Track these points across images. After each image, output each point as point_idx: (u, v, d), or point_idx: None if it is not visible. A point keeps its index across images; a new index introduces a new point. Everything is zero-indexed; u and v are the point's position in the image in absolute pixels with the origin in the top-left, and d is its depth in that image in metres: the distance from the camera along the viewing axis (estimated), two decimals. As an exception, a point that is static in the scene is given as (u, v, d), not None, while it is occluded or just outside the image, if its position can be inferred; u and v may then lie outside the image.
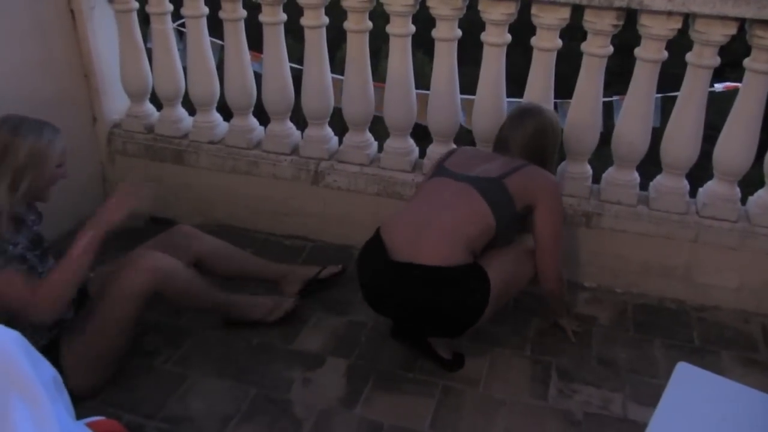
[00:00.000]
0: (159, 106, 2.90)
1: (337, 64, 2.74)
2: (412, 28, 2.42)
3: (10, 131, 1.78)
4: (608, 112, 2.70)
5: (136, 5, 2.73)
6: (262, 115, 2.79)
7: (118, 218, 1.83)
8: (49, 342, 1.86)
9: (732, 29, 2.11)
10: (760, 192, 2.39)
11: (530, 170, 2.02)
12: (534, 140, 2.10)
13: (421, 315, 1.96)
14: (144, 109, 2.90)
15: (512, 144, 2.11)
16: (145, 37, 2.82)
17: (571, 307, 2.39)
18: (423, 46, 2.56)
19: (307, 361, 2.13)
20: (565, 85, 2.51)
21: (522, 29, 2.42)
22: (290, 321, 2.27)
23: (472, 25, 2.44)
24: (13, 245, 1.79)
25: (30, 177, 1.79)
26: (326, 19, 2.51)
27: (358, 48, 2.49)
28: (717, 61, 2.19)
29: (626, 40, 2.29)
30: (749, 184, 2.46)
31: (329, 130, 2.72)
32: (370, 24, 2.46)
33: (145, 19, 2.77)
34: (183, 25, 2.84)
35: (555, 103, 2.43)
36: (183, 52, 2.83)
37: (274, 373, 2.08)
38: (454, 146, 2.45)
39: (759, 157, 2.34)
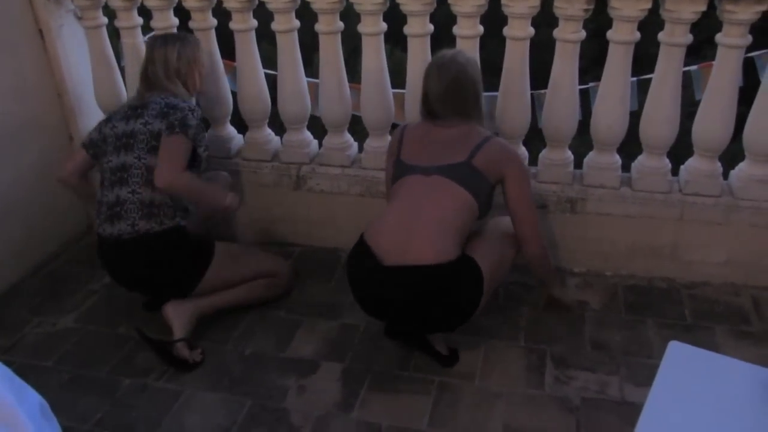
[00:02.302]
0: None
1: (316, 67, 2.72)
2: (384, 26, 2.41)
3: (162, 45, 2.25)
4: (587, 98, 2.69)
5: (105, 20, 2.70)
6: (240, 123, 2.77)
7: (234, 208, 2.30)
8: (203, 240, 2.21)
9: (701, 6, 2.11)
10: (741, 165, 2.40)
11: (490, 145, 2.01)
12: (454, 95, 2.02)
13: (420, 315, 1.95)
14: (120, 126, 2.87)
15: (438, 106, 2.03)
16: (118, 52, 2.80)
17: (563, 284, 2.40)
18: (401, 43, 2.55)
19: (301, 367, 2.12)
20: (547, 74, 2.48)
21: (498, 20, 2.41)
22: (281, 329, 2.27)
23: (448, 19, 2.42)
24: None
25: (195, 74, 2.29)
26: (297, 23, 2.50)
27: (331, 50, 2.48)
28: (689, 38, 2.20)
29: (603, 24, 2.29)
30: (733, 158, 2.47)
31: (308, 134, 2.71)
32: (341, 25, 2.45)
33: (117, 33, 2.74)
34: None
35: (532, 94, 2.43)
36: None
37: (269, 382, 2.06)
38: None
39: (738, 131, 2.34)
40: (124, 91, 2.80)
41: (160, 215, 2.10)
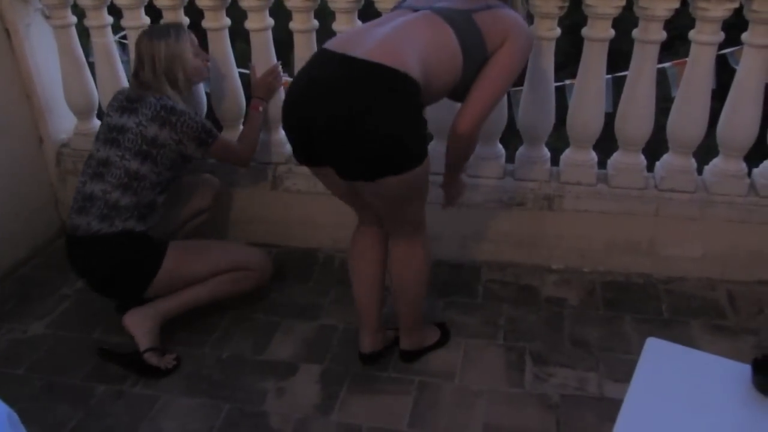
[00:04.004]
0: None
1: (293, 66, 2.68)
2: (359, 24, 2.39)
3: (148, 41, 2.13)
4: (563, 95, 2.70)
5: (74, 20, 2.64)
6: (215, 122, 2.73)
7: (272, 94, 2.47)
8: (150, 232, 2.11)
9: (675, 2, 2.13)
10: (715, 161, 2.42)
11: (504, 12, 1.72)
12: None
13: (344, 122, 1.55)
14: (92, 126, 2.81)
15: None
16: (88, 51, 2.74)
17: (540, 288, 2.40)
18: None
19: (280, 370, 2.10)
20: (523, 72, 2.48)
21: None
22: (259, 331, 2.24)
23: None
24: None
25: (180, 70, 2.15)
26: (271, 21, 2.46)
27: (306, 48, 2.45)
28: (663, 35, 2.21)
29: (578, 21, 2.29)
30: (707, 153, 2.49)
31: (284, 133, 2.67)
32: (315, 23, 2.42)
33: (86, 32, 2.68)
34: (125, 37, 2.76)
35: (508, 92, 2.42)
36: (127, 64, 2.75)
37: (247, 385, 2.03)
38: None
39: (712, 126, 2.36)
40: (95, 91, 2.74)
41: (115, 218, 2.05)
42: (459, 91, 1.73)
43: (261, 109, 2.46)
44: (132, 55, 2.56)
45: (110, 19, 2.62)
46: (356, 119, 1.53)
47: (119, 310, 2.29)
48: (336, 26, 2.37)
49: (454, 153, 1.83)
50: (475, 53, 1.67)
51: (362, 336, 2.06)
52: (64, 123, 2.85)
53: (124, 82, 2.70)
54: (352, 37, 1.68)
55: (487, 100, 1.70)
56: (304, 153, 1.74)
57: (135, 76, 2.19)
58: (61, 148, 2.84)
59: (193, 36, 2.22)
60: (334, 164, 1.66)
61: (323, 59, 1.66)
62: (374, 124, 1.53)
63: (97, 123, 2.84)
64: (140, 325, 2.09)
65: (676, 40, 2.67)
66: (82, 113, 2.80)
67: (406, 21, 1.67)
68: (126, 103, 2.15)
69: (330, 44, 1.68)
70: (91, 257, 2.09)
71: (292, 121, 1.70)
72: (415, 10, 1.72)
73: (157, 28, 2.23)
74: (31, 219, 2.78)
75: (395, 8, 1.84)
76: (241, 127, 2.65)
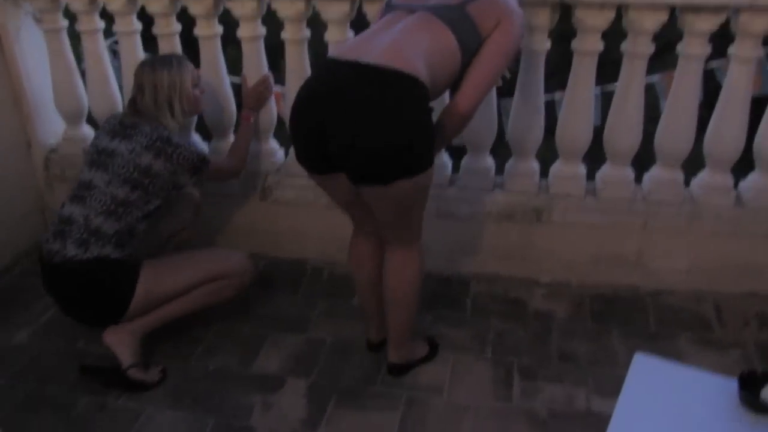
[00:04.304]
0: (97, 127, 2.80)
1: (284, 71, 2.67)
2: (351, 35, 2.39)
3: (150, 70, 2.13)
4: (552, 107, 2.71)
5: (65, 24, 2.62)
6: (204, 131, 2.71)
7: (263, 104, 2.49)
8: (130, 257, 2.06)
9: (663, 16, 2.14)
10: (702, 173, 2.44)
11: None
12: None
13: (361, 125, 1.59)
14: (81, 132, 2.80)
15: None
16: (79, 56, 2.72)
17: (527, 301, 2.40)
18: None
19: (267, 384, 2.08)
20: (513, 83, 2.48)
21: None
22: (246, 344, 2.22)
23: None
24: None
25: (179, 101, 2.14)
26: (263, 30, 2.46)
27: (297, 58, 2.44)
28: (651, 48, 2.22)
29: (567, 30, 2.30)
30: (695, 163, 2.50)
31: (275, 143, 2.67)
32: (307, 33, 2.42)
33: (78, 37, 2.66)
34: (117, 42, 2.75)
35: (498, 102, 2.43)
36: (118, 70, 2.74)
37: (233, 399, 2.02)
38: None
39: (699, 137, 2.37)
40: (85, 97, 2.73)
41: (91, 244, 1.98)
42: (458, 81, 1.78)
43: (252, 119, 2.46)
44: (127, 78, 2.55)
45: (102, 24, 2.60)
46: (373, 123, 1.57)
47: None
48: (328, 36, 2.37)
49: (451, 130, 1.86)
50: (471, 44, 1.73)
51: (369, 327, 2.17)
52: (53, 128, 2.83)
53: (115, 88, 2.69)
54: (359, 44, 1.70)
55: (485, 80, 1.76)
56: (315, 160, 1.74)
57: (132, 103, 2.15)
58: (49, 153, 2.82)
59: (193, 67, 2.22)
60: (348, 169, 1.68)
61: (333, 67, 1.68)
62: (390, 128, 1.57)
63: (86, 129, 2.82)
64: (121, 341, 2.06)
65: (665, 52, 2.69)
66: (71, 118, 2.78)
67: (406, 25, 1.71)
68: (119, 127, 2.10)
69: (337, 53, 1.71)
70: (64, 285, 2.04)
71: (303, 128, 1.70)
72: (411, 10, 1.75)
73: (159, 57, 2.23)
74: (18, 225, 2.76)
75: (388, 7, 1.85)
76: (232, 136, 2.65)
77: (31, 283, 2.59)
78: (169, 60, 2.17)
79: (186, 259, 2.18)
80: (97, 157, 2.08)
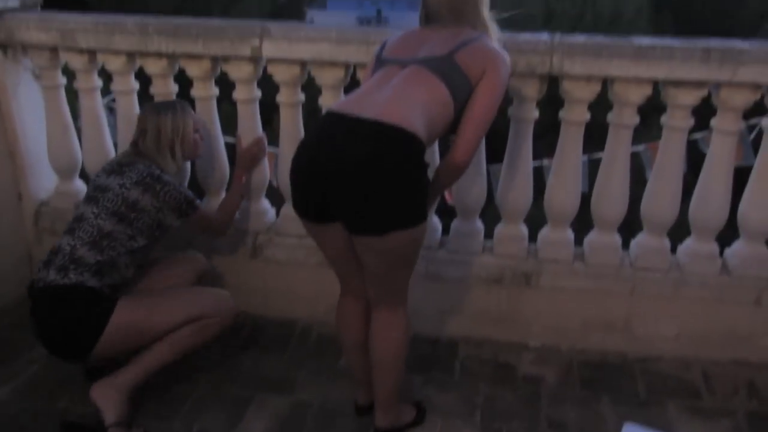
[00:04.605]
0: (89, 182, 2.82)
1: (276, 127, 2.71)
2: (344, 99, 2.44)
3: (154, 114, 2.21)
4: (541, 172, 2.77)
5: (64, 81, 2.68)
6: (197, 188, 2.73)
7: (256, 165, 2.54)
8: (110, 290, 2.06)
9: (647, 90, 2.22)
10: (687, 241, 2.48)
11: (479, 42, 1.83)
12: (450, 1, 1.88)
13: (361, 177, 1.64)
14: (73, 186, 2.82)
15: (434, 8, 1.90)
16: (76, 111, 2.76)
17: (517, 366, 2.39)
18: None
19: (251, 448, 2.04)
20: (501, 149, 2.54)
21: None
22: (232, 404, 2.18)
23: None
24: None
25: (180, 144, 2.22)
26: (259, 93, 2.52)
27: (291, 121, 2.50)
28: (636, 120, 2.29)
29: (555, 92, 2.36)
30: (680, 229, 2.53)
31: (266, 203, 2.69)
32: (302, 97, 2.48)
33: (75, 92, 2.71)
34: (114, 100, 2.80)
35: (487, 168, 2.48)
36: (114, 127, 2.78)
37: (216, 464, 1.98)
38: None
39: (685, 202, 2.41)
40: (79, 153, 2.76)
41: (70, 270, 2.01)
42: (450, 128, 1.85)
43: (244, 179, 2.49)
44: (122, 135, 2.60)
45: (100, 83, 2.66)
46: (373, 177, 1.64)
47: (88, 377, 2.23)
48: (322, 101, 2.43)
49: (447, 180, 1.96)
50: (462, 92, 1.79)
51: (357, 390, 2.14)
52: (45, 181, 2.84)
53: (110, 145, 2.72)
54: (359, 99, 1.77)
55: (478, 130, 1.83)
56: (313, 209, 1.78)
57: (134, 145, 2.24)
58: (40, 206, 2.83)
59: (194, 112, 2.31)
60: (346, 218, 1.72)
61: (333, 120, 1.74)
62: (390, 182, 1.65)
63: (78, 183, 2.84)
64: (108, 397, 2.02)
65: (651, 116, 2.75)
66: (64, 173, 2.80)
67: (401, 80, 1.77)
68: (116, 166, 2.19)
69: (337, 107, 1.77)
70: (41, 309, 2.05)
71: (303, 179, 1.75)
72: (403, 65, 1.82)
73: (163, 102, 2.34)
74: (4, 277, 2.73)
75: (378, 61, 1.91)
76: (224, 195, 2.68)
77: (17, 337, 2.55)
78: (172, 105, 2.27)
79: (164, 298, 2.15)
80: (93, 193, 2.16)
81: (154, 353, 2.07)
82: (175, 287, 2.27)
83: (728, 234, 2.46)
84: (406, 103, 1.71)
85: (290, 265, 2.61)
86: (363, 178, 1.64)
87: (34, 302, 2.08)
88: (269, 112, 2.74)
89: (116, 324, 2.00)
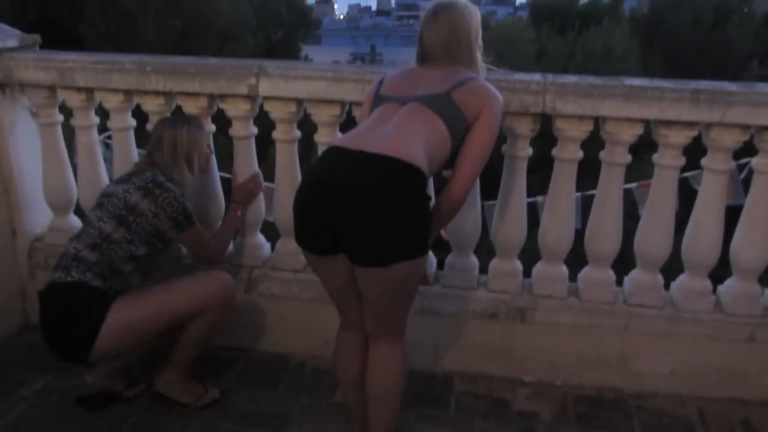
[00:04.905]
0: (84, 218, 2.82)
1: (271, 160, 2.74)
2: (340, 136, 2.48)
3: (171, 127, 2.27)
4: (535, 208, 2.79)
5: (60, 118, 2.70)
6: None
7: (252, 200, 2.56)
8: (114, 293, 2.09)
9: (638, 129, 2.26)
10: (681, 278, 2.49)
11: (475, 82, 1.90)
12: (451, 39, 1.94)
13: (368, 208, 1.68)
14: (67, 222, 2.82)
15: (430, 49, 1.96)
16: (71, 148, 2.77)
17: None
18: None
19: (243, 487, 2.01)
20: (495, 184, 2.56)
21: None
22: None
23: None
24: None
25: (196, 157, 2.29)
26: (255, 130, 2.55)
27: (287, 157, 2.52)
28: (628, 158, 2.33)
29: (547, 127, 2.40)
30: (674, 264, 2.55)
31: (261, 237, 2.70)
32: (298, 133, 2.51)
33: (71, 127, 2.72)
34: (110, 137, 2.82)
35: (482, 205, 2.50)
36: (110, 162, 2.80)
37: (208, 504, 1.94)
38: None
39: (678, 238, 2.42)
40: (75, 189, 2.76)
41: (72, 268, 2.08)
42: (446, 164, 1.90)
43: (239, 213, 2.51)
44: (116, 155, 2.62)
45: (97, 120, 2.68)
46: (381, 207, 1.68)
47: (86, 404, 2.23)
48: (318, 137, 2.46)
49: (446, 215, 1.97)
50: (460, 129, 1.85)
51: (351, 426, 2.11)
52: (40, 218, 2.84)
53: (105, 180, 2.73)
54: (362, 134, 1.81)
55: (476, 165, 1.89)
56: (318, 241, 1.79)
57: (148, 156, 2.29)
58: (34, 242, 2.82)
59: (204, 127, 2.40)
60: (351, 250, 1.74)
61: (338, 155, 1.77)
62: (396, 211, 1.68)
63: (73, 219, 2.84)
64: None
65: (642, 151, 2.78)
66: (59, 209, 2.80)
67: (402, 117, 1.83)
68: (126, 176, 2.25)
69: (341, 142, 1.81)
70: (46, 307, 2.11)
71: (311, 211, 1.77)
72: (402, 102, 1.87)
73: (179, 117, 2.40)
74: (-3, 311, 2.72)
75: (377, 99, 1.96)
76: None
77: (6, 374, 2.52)
78: (188, 119, 2.35)
79: (162, 292, 2.16)
80: (100, 199, 2.23)
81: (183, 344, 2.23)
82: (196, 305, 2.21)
83: (721, 271, 2.48)
84: (410, 137, 1.77)
85: (285, 299, 2.60)
86: (372, 211, 1.68)
87: (41, 304, 2.13)
88: (265, 146, 2.77)
89: (113, 322, 2.04)
